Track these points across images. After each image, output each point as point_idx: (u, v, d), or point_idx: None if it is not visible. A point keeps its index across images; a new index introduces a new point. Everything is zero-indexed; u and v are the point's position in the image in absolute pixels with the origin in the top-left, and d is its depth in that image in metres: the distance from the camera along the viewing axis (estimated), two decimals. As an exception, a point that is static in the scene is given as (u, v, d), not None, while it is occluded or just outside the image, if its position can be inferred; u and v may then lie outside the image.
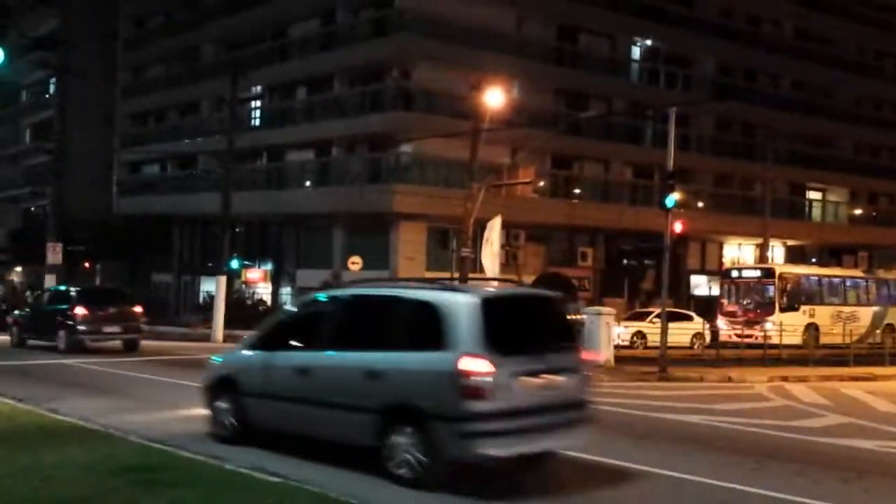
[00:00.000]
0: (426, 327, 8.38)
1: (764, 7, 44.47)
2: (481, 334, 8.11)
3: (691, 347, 28.37)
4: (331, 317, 9.62)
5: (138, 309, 24.20)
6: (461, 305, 8.33)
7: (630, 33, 40.42)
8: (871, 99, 50.19)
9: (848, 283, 33.33)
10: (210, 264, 37.41)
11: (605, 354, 20.86)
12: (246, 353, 10.38)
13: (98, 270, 34.28)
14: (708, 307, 35.16)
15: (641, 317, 30.92)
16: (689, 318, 30.97)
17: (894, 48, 50.99)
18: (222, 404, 10.16)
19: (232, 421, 10.05)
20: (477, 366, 7.94)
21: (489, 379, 7.93)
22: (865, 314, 32.35)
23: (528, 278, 36.93)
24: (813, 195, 48.40)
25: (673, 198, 20.83)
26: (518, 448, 8.28)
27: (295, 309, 11.60)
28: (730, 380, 19.83)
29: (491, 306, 8.36)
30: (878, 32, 49.04)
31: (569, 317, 12.17)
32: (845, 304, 32.27)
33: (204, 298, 41.70)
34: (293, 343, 9.76)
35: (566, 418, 8.70)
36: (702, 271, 43.84)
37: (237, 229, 39.75)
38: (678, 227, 21.64)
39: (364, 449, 8.68)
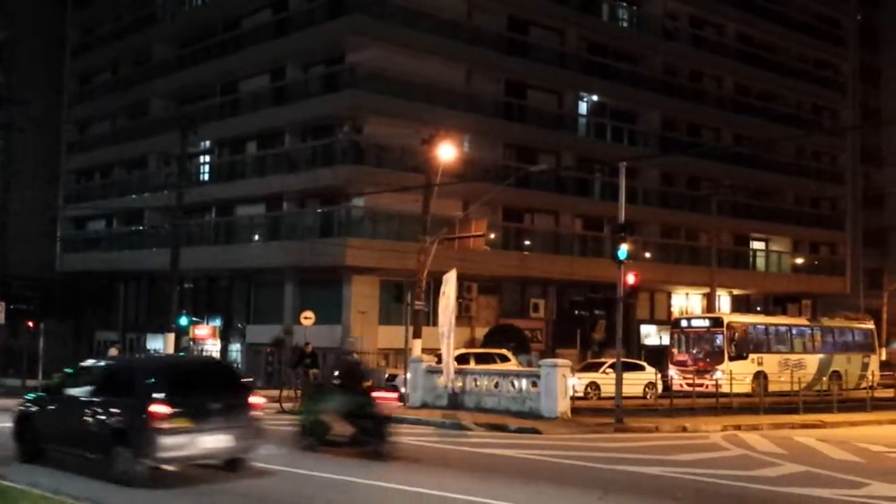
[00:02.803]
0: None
1: (706, 64, 45.85)
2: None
3: (644, 397, 28.52)
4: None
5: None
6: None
7: (577, 89, 41.28)
8: (809, 151, 51.77)
9: (794, 332, 33.93)
10: (157, 321, 36.70)
11: (561, 406, 20.82)
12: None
13: (41, 330, 33.30)
14: (658, 356, 35.48)
15: (594, 367, 31.03)
16: (642, 368, 31.19)
17: (831, 102, 52.85)
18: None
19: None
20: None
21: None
22: (812, 361, 32.90)
23: (481, 331, 37.02)
24: (757, 245, 49.49)
25: (625, 249, 21.08)
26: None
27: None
28: (685, 429, 19.92)
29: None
30: (815, 87, 50.82)
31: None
32: (792, 351, 32.80)
33: (151, 356, 40.79)
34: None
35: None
36: (651, 321, 44.35)
37: (185, 285, 39.16)
38: (631, 278, 21.87)
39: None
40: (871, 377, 33.29)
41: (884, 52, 63.45)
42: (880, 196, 61.68)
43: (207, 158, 40.71)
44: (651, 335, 44.08)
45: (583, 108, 42.48)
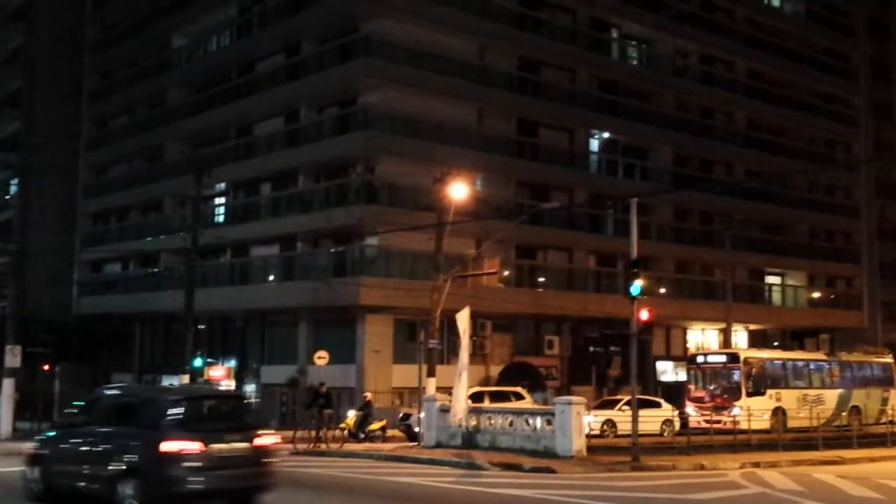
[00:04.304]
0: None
1: (716, 99, 46.04)
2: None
3: (661, 434, 28.23)
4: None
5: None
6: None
7: (588, 126, 41.50)
8: (823, 185, 51.67)
9: (812, 367, 33.59)
10: (172, 363, 36.79)
11: (577, 444, 20.66)
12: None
13: (57, 373, 33.46)
14: (675, 393, 35.17)
15: (610, 405, 30.80)
16: (658, 405, 30.92)
17: (843, 136, 52.86)
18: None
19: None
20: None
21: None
22: (831, 397, 32.54)
23: (496, 369, 36.89)
24: (772, 280, 49.21)
25: (638, 285, 21.04)
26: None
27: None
28: (702, 467, 19.70)
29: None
30: (827, 122, 50.85)
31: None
32: (810, 387, 32.45)
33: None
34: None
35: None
36: (667, 357, 44.04)
37: (200, 326, 39.29)
38: (644, 314, 21.79)
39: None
40: (890, 412, 32.81)
41: (896, 85, 63.53)
42: (895, 229, 61.34)
43: (222, 200, 41.09)
44: (667, 371, 43.72)
45: (594, 145, 42.66)
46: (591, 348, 40.13)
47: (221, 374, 39.97)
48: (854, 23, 54.13)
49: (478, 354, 36.15)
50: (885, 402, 33.95)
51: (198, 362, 34.71)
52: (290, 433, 24.67)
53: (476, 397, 26.39)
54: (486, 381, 34.93)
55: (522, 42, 38.77)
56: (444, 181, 26.45)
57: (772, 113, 47.65)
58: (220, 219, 41.24)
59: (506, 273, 36.78)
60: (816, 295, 50.34)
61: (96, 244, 48.59)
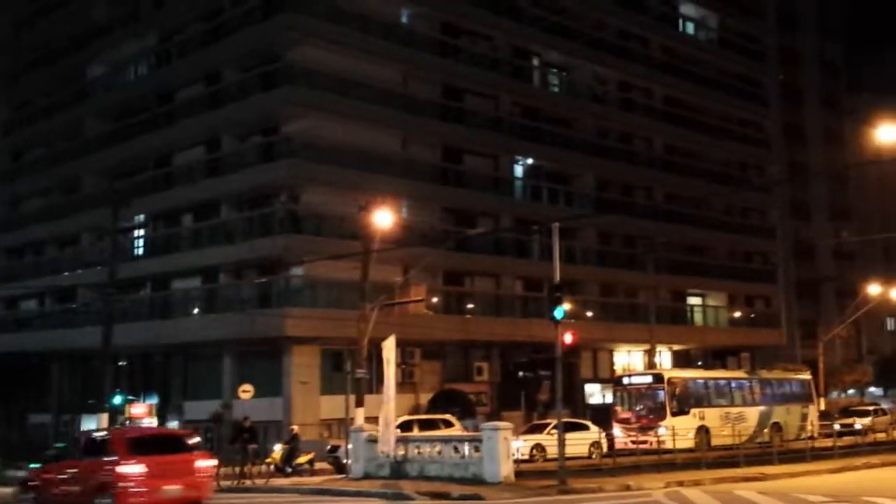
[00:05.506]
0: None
1: (635, 125, 47.09)
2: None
3: (590, 457, 28.41)
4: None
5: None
6: None
7: (512, 152, 41.98)
8: (739, 208, 53.17)
9: (734, 385, 34.27)
10: (91, 401, 35.62)
11: (504, 470, 20.62)
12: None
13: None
14: (603, 415, 35.48)
15: (539, 429, 30.89)
16: (586, 428, 31.15)
17: (758, 159, 54.57)
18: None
19: None
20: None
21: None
22: (752, 414, 33.23)
23: (426, 396, 36.72)
24: (693, 301, 50.29)
25: (562, 309, 21.20)
26: None
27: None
28: (628, 488, 19.85)
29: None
30: (742, 146, 52.49)
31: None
32: (733, 405, 33.09)
33: (85, 438, 39.48)
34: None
35: None
36: (595, 379, 44.52)
37: (120, 363, 38.21)
38: (568, 338, 21.97)
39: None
40: (810, 427, 33.71)
41: (807, 109, 66.05)
42: (811, 249, 63.47)
43: (142, 233, 40.16)
44: (595, 394, 44.20)
45: (518, 171, 43.15)
46: (520, 373, 40.29)
47: (143, 412, 38.79)
48: (765, 49, 56.13)
49: (407, 382, 35.96)
50: (804, 417, 34.85)
51: (117, 400, 33.65)
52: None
53: (405, 426, 26.15)
54: (416, 410, 34.72)
55: (445, 70, 39.11)
56: (370, 209, 26.35)
57: (688, 137, 48.94)
58: (140, 251, 40.30)
59: (433, 300, 36.75)
60: (736, 314, 51.62)
61: (11, 280, 46.93)
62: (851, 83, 71.21)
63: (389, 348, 22.94)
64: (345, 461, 25.26)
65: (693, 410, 31.12)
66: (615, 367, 45.12)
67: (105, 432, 19.77)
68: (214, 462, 16.69)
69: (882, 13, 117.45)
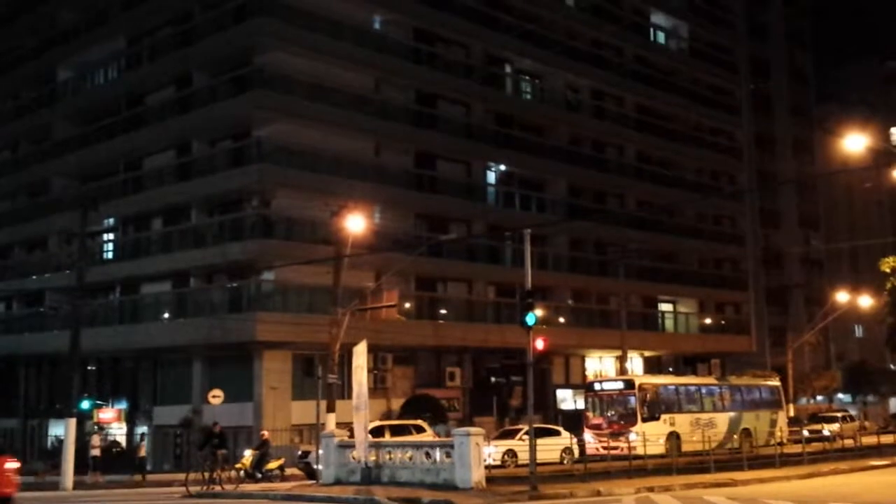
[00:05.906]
0: None
1: (608, 133, 47.37)
2: None
3: (561, 462, 28.46)
4: None
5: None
6: None
7: (485, 159, 42.03)
8: (710, 215, 53.62)
9: (704, 391, 34.45)
10: (59, 406, 35.17)
11: (476, 475, 20.57)
12: None
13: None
14: (575, 421, 35.57)
15: (511, 434, 30.90)
16: (558, 433, 31.19)
17: (728, 168, 55.10)
18: None
19: None
20: None
21: None
22: (722, 420, 33.44)
23: (398, 402, 36.60)
24: (665, 307, 50.59)
25: (533, 315, 21.20)
26: None
27: None
28: (599, 493, 19.88)
29: None
30: (713, 154, 52.97)
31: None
32: (703, 411, 33.26)
33: (52, 443, 38.99)
34: None
35: None
36: (567, 385, 44.65)
37: (89, 367, 37.74)
38: (540, 344, 21.98)
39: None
40: (779, 433, 33.97)
41: (777, 119, 66.87)
42: (779, 256, 64.22)
43: (111, 236, 39.73)
44: (567, 399, 44.31)
45: (491, 177, 43.21)
46: (493, 379, 40.34)
47: (111, 417, 38.44)
48: (736, 60, 56.72)
49: (379, 388, 35.86)
50: (773, 423, 35.12)
51: (86, 405, 33.28)
52: (182, 476, 23.79)
53: (376, 432, 26.03)
54: (387, 415, 34.59)
55: (418, 76, 39.10)
56: (342, 214, 26.26)
57: (660, 146, 49.33)
58: (110, 255, 39.86)
59: (406, 305, 36.65)
60: (707, 321, 52.00)
61: (-24, 284, 46.18)
62: (820, 93, 72.32)
63: (361, 353, 22.83)
64: (316, 467, 25.08)
65: (664, 416, 31.26)
66: (587, 373, 45.26)
67: None
68: (17, 464, 17.49)
69: (850, 25, 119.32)
